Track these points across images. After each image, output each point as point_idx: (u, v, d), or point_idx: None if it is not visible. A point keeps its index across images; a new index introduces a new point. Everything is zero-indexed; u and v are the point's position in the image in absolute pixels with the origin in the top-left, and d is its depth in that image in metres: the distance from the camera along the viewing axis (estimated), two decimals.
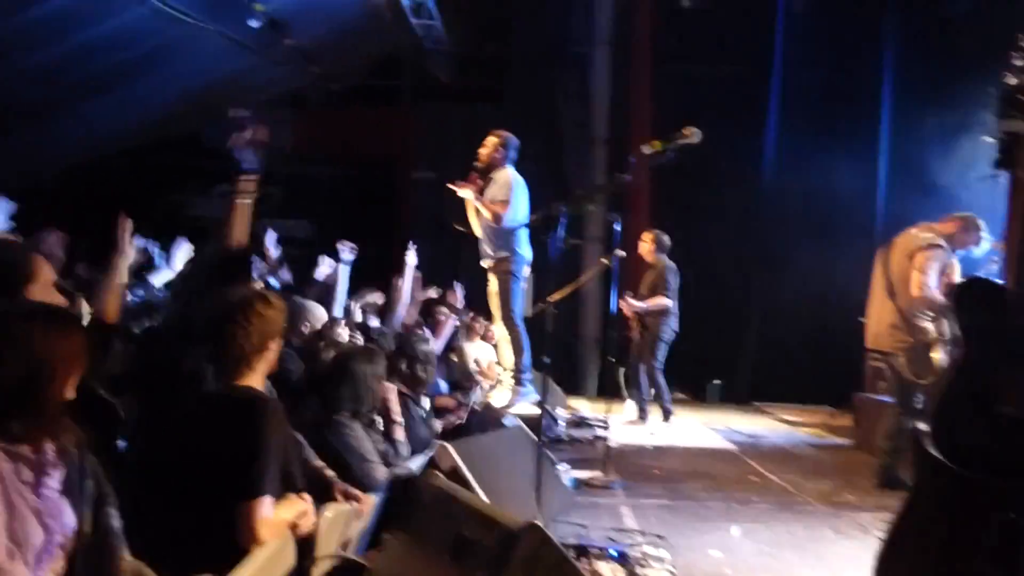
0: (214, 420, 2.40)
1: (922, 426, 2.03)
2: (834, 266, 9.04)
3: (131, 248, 3.24)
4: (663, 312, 7.56)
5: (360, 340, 4.54)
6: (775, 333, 10.27)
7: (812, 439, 7.50)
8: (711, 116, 9.23)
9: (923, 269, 4.56)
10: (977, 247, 4.91)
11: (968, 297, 2.07)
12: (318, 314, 4.54)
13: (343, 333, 4.42)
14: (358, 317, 5.74)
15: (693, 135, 3.33)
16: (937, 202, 7.94)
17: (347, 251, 5.79)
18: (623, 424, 7.61)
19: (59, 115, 7.42)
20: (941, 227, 4.88)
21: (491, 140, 5.97)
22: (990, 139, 2.09)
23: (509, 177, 5.81)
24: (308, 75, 9.53)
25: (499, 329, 6.15)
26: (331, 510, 2.72)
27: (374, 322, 5.74)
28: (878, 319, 4.98)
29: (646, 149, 2.98)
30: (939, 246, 4.67)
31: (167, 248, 4.90)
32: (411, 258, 6.25)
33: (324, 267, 6.14)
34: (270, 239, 5.94)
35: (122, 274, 3.07)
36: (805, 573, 3.39)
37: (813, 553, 3.66)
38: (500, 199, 5.73)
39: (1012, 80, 2.06)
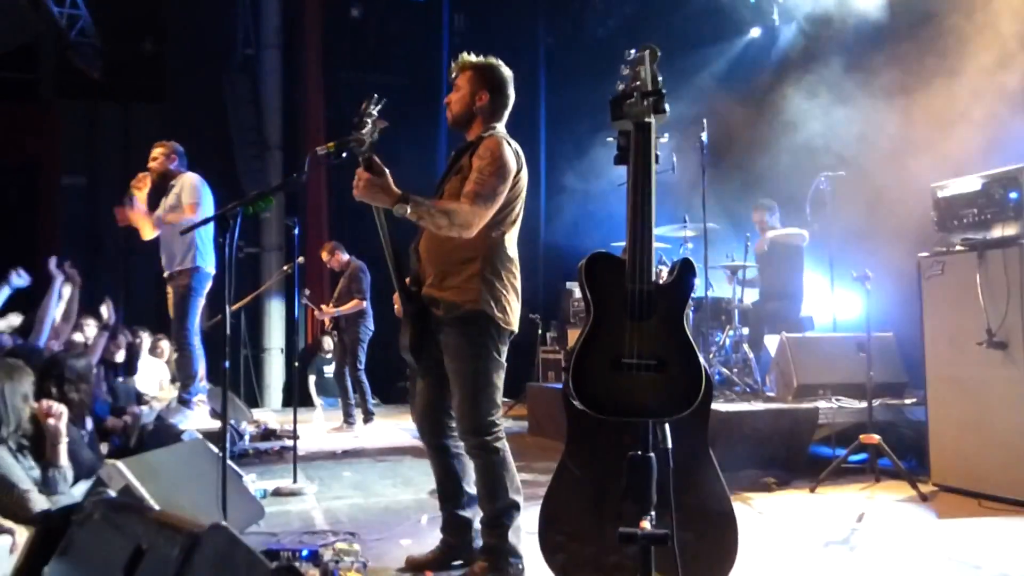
0: None
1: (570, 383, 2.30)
2: None
3: None
4: (359, 313, 7.70)
5: None
6: None
7: None
8: (388, 122, 9.48)
9: None
10: None
11: (594, 268, 2.39)
12: None
13: None
14: None
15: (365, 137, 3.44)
16: (591, 205, 8.98)
17: (16, 277, 5.11)
18: (328, 432, 7.56)
19: None
20: None
21: (158, 151, 5.69)
22: (610, 139, 2.42)
23: (195, 180, 5.62)
24: None
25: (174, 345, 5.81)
26: None
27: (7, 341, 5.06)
28: None
29: (320, 150, 3.01)
30: None
31: None
32: (56, 272, 5.60)
33: None
34: None
35: None
36: None
37: None
38: (189, 202, 5.52)
39: (620, 86, 2.42)
